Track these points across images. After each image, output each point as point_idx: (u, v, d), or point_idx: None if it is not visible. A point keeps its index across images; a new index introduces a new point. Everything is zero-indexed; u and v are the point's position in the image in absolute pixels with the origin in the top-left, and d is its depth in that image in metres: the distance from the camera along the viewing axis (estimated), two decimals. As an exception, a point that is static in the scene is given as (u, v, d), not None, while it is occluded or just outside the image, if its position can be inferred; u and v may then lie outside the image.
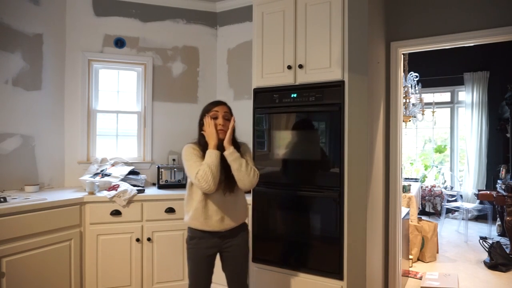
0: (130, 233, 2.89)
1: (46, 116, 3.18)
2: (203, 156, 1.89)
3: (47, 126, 3.19)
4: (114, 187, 2.93)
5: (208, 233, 1.98)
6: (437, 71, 6.29)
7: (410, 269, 3.81)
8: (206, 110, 2.00)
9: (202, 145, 1.96)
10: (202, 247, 1.98)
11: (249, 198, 2.74)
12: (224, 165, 1.91)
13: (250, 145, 2.73)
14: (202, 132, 1.96)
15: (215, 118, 1.95)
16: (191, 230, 2.01)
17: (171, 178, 3.26)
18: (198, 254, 1.99)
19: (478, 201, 5.55)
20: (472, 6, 2.55)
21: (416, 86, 4.90)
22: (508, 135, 5.21)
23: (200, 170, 1.81)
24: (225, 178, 1.94)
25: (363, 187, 2.26)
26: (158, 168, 3.29)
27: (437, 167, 6.79)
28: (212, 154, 1.84)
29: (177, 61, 3.68)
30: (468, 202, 5.95)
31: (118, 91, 3.60)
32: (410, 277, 3.62)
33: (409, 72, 4.81)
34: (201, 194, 1.95)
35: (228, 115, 2.00)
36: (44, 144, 3.17)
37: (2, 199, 2.36)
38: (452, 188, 6.48)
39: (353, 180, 2.28)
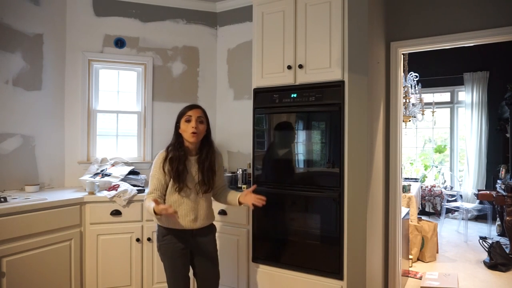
0: (130, 233, 2.89)
1: (46, 116, 3.18)
2: (167, 164, 2.05)
3: (47, 126, 3.19)
4: (114, 187, 2.93)
5: (180, 230, 2.09)
6: (437, 71, 6.29)
7: (410, 269, 3.81)
8: (181, 113, 2.11)
9: (176, 146, 2.10)
10: (176, 242, 2.08)
11: (249, 198, 2.74)
12: (200, 168, 2.11)
13: (250, 145, 2.74)
14: (180, 131, 2.10)
15: (189, 121, 2.06)
16: (164, 228, 2.10)
17: None
18: (172, 250, 2.09)
19: (478, 201, 5.56)
20: (472, 6, 2.55)
21: (416, 86, 4.91)
22: (508, 135, 5.21)
23: (145, 201, 2.02)
24: (200, 180, 2.11)
25: (363, 187, 2.26)
26: (158, 168, 3.28)
27: (437, 167, 6.79)
28: (149, 209, 1.92)
29: (177, 61, 3.68)
30: (468, 202, 5.96)
31: (118, 91, 3.60)
32: (410, 277, 3.62)
33: (409, 72, 4.81)
34: (176, 196, 2.08)
35: (202, 118, 2.11)
36: (44, 144, 3.17)
37: (2, 199, 2.36)
38: (452, 188, 6.48)
39: (353, 180, 2.28)
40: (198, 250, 2.16)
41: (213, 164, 2.16)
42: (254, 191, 2.20)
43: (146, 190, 3.07)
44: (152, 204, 1.86)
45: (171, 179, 2.06)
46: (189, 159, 2.12)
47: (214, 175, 2.16)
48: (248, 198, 2.13)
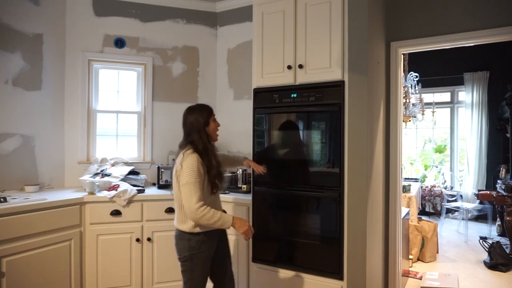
0: (130, 233, 2.89)
1: (46, 116, 3.18)
2: (203, 166, 1.96)
3: (47, 126, 3.19)
4: (114, 187, 2.93)
5: (216, 231, 2.05)
6: (437, 71, 6.29)
7: (410, 269, 3.81)
8: (209, 113, 2.11)
9: (208, 146, 2.05)
10: (211, 249, 2.03)
11: (249, 198, 2.74)
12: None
13: (250, 145, 2.75)
14: (207, 129, 2.08)
15: (215, 120, 2.15)
16: (202, 234, 1.99)
17: (171, 178, 3.24)
18: (208, 257, 2.03)
19: (478, 201, 5.55)
20: (472, 6, 2.55)
21: (416, 86, 4.90)
22: (508, 135, 5.21)
23: (208, 210, 1.87)
24: (219, 175, 2.08)
25: (363, 187, 2.26)
26: (158, 168, 3.29)
27: (437, 167, 6.79)
28: (228, 223, 1.92)
29: (177, 61, 3.68)
30: (468, 202, 5.95)
31: (118, 91, 3.60)
32: (410, 277, 3.62)
33: (409, 72, 4.80)
34: (211, 197, 2.03)
35: None
36: (44, 144, 3.17)
37: (2, 199, 2.36)
38: (452, 188, 6.48)
39: (353, 180, 2.28)
40: (219, 250, 2.13)
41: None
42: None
43: (146, 190, 3.08)
44: (231, 218, 1.92)
45: (207, 179, 1.99)
46: None
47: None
48: (253, 164, 2.51)
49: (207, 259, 2.04)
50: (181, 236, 2.01)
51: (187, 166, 1.91)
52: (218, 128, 2.17)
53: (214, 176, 2.01)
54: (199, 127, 2.04)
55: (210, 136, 2.08)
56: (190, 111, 2.10)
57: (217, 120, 2.19)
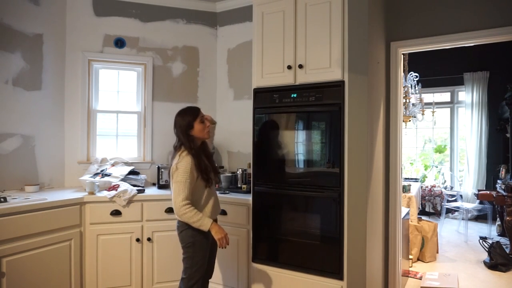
0: (130, 233, 2.89)
1: (46, 116, 3.18)
2: (196, 167, 2.11)
3: (47, 126, 3.19)
4: (114, 187, 2.93)
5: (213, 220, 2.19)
6: (437, 71, 6.29)
7: (410, 269, 3.81)
8: (194, 116, 2.19)
9: (196, 148, 2.16)
10: (209, 238, 2.18)
11: (249, 198, 2.74)
12: (210, 161, 2.27)
13: (250, 145, 2.75)
14: (191, 134, 2.17)
15: (203, 122, 2.21)
16: None
17: (169, 179, 3.26)
18: (207, 245, 2.19)
19: (478, 201, 5.55)
20: (472, 6, 2.55)
21: (416, 86, 4.90)
22: (508, 135, 5.21)
23: (191, 210, 2.04)
24: (214, 170, 2.28)
25: (363, 187, 2.26)
26: (158, 168, 3.29)
27: (437, 167, 6.79)
28: (204, 227, 2.07)
29: (177, 61, 3.68)
30: (468, 202, 5.95)
31: (118, 91, 3.60)
32: (410, 277, 3.62)
33: (409, 72, 4.81)
34: (207, 191, 2.17)
35: None
36: (44, 144, 3.17)
37: (2, 199, 2.36)
38: (452, 188, 6.48)
39: (353, 180, 2.28)
40: (211, 244, 2.26)
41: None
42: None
43: (146, 190, 3.08)
44: (209, 223, 2.06)
45: (200, 178, 2.14)
46: None
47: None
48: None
49: (207, 247, 2.18)
50: (184, 225, 2.14)
51: (181, 167, 2.08)
52: (208, 127, 2.25)
53: (207, 173, 2.16)
54: (182, 130, 2.17)
55: (195, 138, 2.18)
56: (177, 114, 2.24)
57: (211, 118, 2.36)
